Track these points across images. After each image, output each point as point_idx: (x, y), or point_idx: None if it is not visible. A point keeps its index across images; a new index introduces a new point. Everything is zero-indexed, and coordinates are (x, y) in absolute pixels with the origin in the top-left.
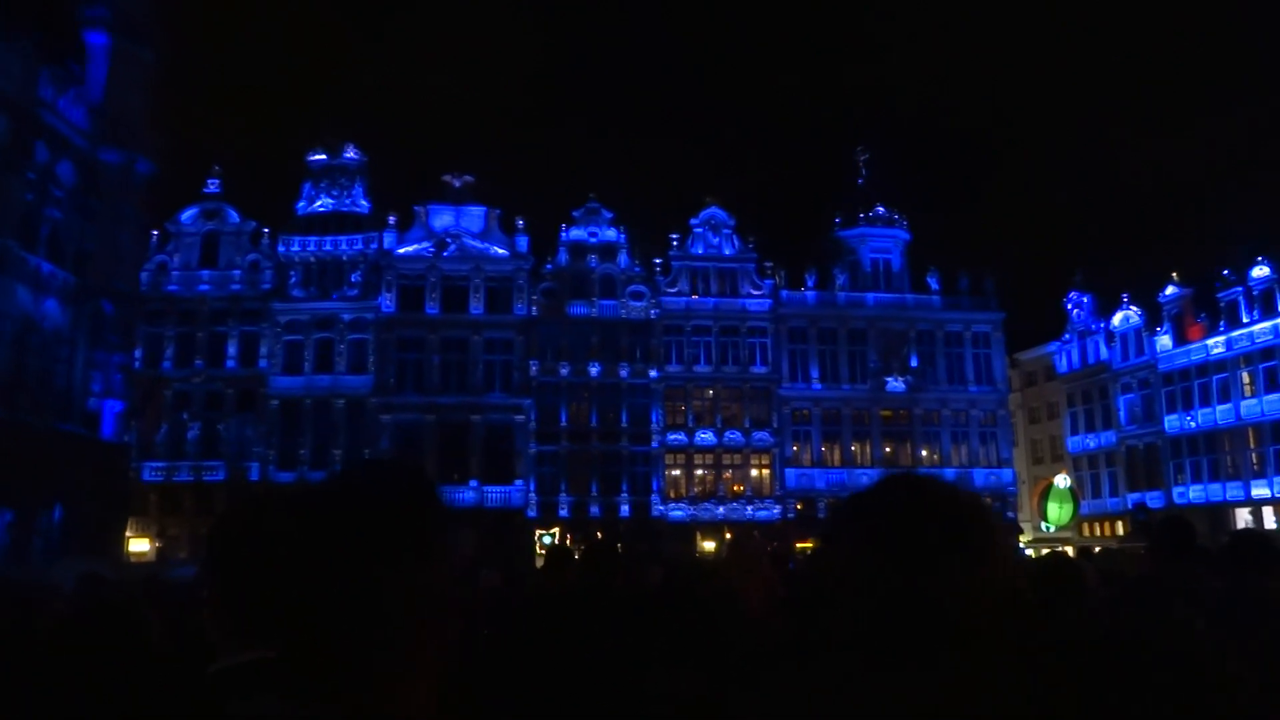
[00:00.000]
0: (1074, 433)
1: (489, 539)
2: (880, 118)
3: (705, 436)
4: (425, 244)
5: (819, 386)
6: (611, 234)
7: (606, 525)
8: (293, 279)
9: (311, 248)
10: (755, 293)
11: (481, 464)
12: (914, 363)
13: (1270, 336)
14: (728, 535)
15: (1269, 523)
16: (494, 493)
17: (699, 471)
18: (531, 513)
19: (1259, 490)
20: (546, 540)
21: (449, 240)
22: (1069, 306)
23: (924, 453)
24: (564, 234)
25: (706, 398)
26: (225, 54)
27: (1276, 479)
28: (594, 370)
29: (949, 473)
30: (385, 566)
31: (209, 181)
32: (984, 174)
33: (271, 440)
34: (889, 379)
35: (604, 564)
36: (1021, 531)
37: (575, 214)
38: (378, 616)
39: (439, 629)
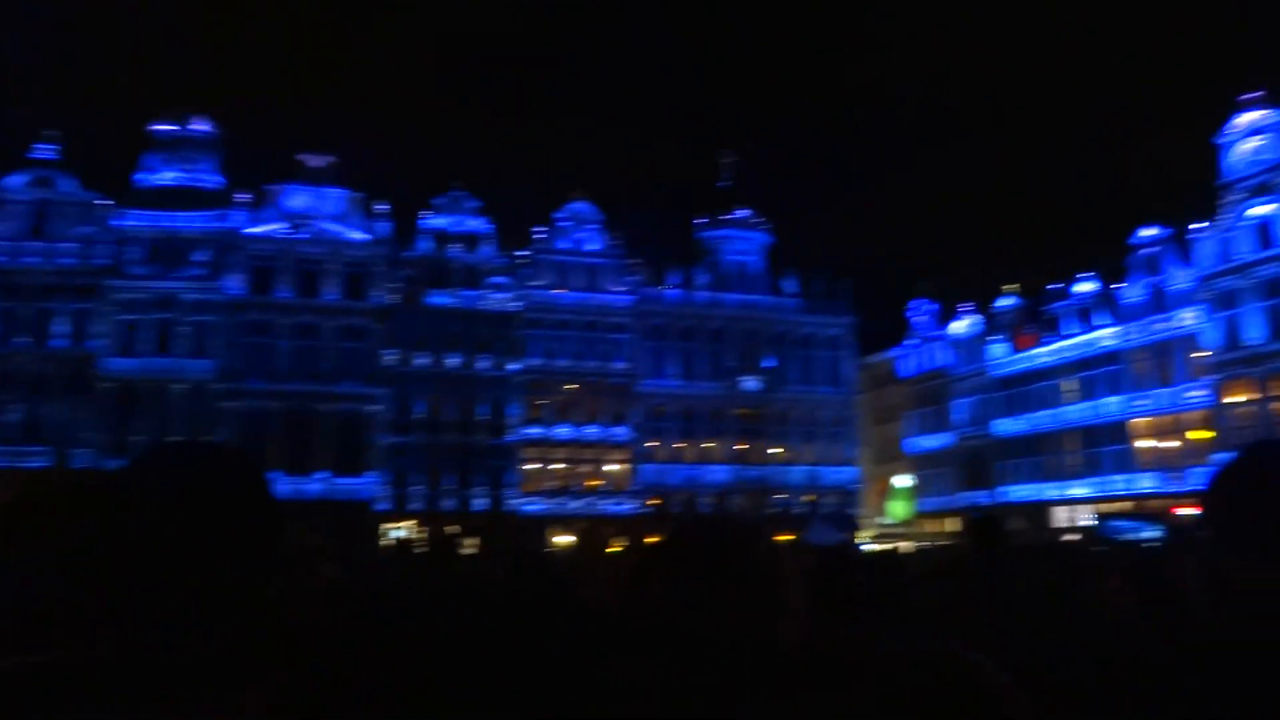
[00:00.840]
0: (914, 434)
1: (335, 533)
2: (749, 123)
3: (563, 431)
4: (279, 224)
5: (677, 383)
6: (476, 223)
7: (460, 519)
8: (132, 255)
9: (154, 223)
10: (618, 289)
11: (331, 455)
12: (769, 363)
13: (1090, 348)
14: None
15: (1083, 520)
16: (343, 485)
17: (556, 466)
18: (383, 505)
19: (1076, 490)
20: (396, 534)
21: (305, 222)
22: (914, 313)
23: (776, 450)
24: (427, 221)
25: (566, 392)
26: (72, 13)
27: (1091, 479)
28: (453, 361)
29: (798, 470)
30: (210, 558)
31: (37, 147)
32: (844, 182)
33: (102, 426)
34: (745, 378)
35: (449, 557)
36: (859, 528)
37: (439, 201)
38: (205, 613)
39: (273, 628)
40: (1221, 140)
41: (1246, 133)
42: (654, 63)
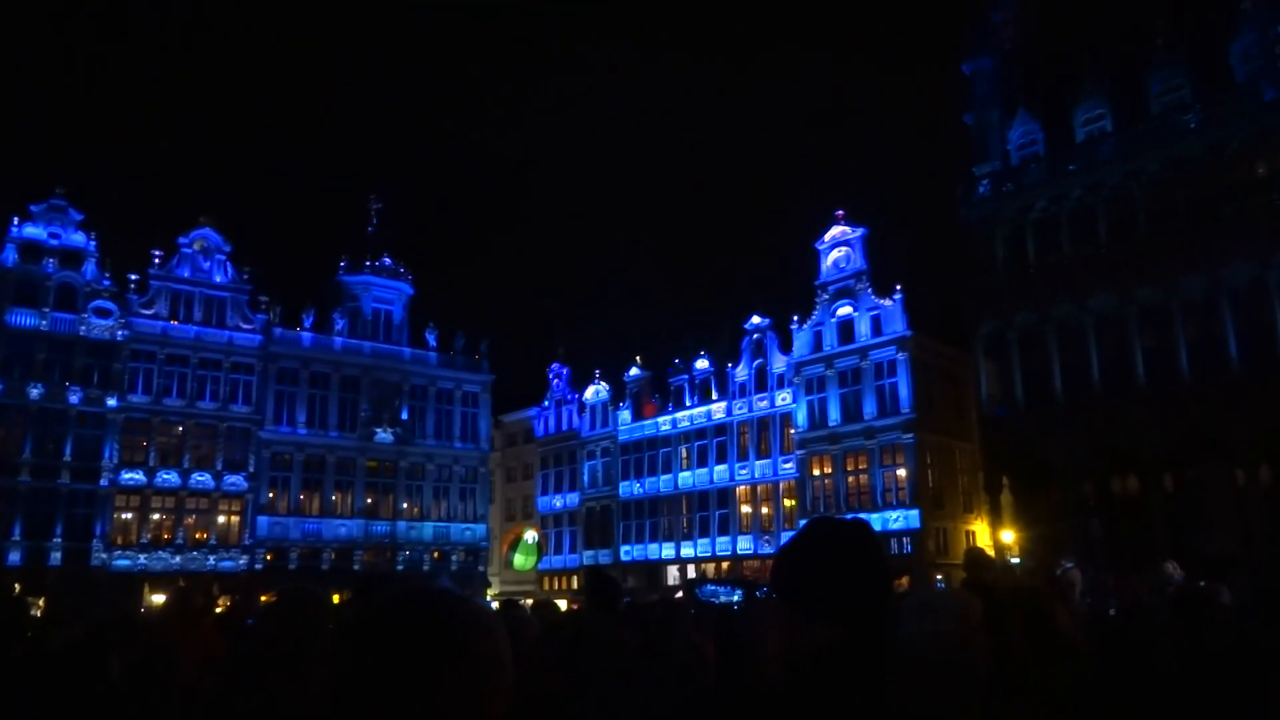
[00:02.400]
0: (544, 492)
1: None
2: (398, 172)
3: (169, 477)
4: None
5: (305, 431)
6: (79, 238)
7: (28, 574)
8: None
9: None
10: (245, 326)
11: None
12: (404, 415)
13: (704, 420)
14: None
15: (691, 578)
16: None
17: (156, 516)
18: None
19: (686, 550)
20: None
21: None
22: (550, 376)
23: (405, 505)
24: (16, 229)
25: (175, 434)
26: None
27: (700, 540)
28: (34, 391)
29: (428, 526)
30: None
31: None
32: (490, 242)
33: None
34: (378, 429)
35: (14, 623)
36: (489, 585)
37: (34, 208)
38: None
39: None
40: (819, 247)
41: (836, 243)
42: (294, 92)
